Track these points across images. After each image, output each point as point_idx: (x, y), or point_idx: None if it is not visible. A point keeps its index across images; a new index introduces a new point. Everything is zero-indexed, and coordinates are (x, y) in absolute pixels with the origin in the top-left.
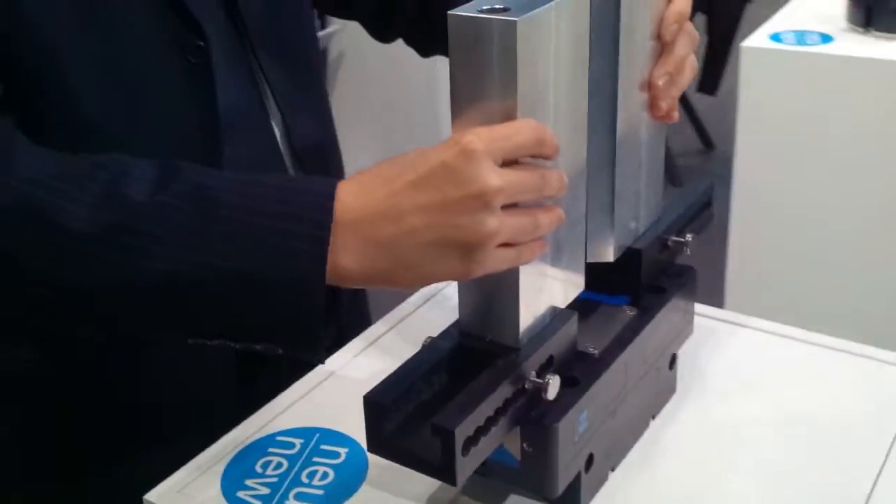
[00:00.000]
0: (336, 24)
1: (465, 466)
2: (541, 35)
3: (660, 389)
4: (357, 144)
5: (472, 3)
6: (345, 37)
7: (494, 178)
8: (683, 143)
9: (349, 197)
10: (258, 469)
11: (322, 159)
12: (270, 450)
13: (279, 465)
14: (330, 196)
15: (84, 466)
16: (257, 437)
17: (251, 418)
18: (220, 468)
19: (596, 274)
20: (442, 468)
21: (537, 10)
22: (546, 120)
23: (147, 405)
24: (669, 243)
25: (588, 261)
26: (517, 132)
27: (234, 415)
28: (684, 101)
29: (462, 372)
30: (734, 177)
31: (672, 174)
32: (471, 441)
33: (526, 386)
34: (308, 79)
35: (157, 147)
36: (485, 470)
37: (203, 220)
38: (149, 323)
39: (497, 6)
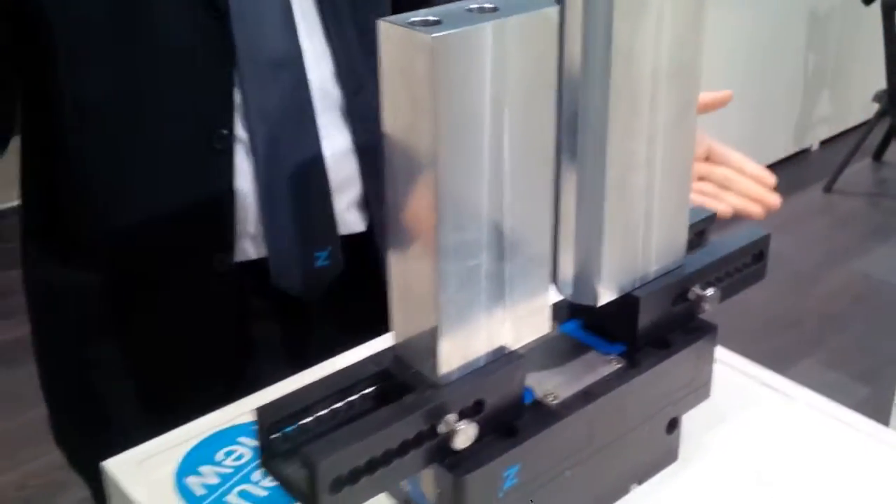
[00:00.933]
0: None
1: None
2: (471, 55)
3: (651, 454)
4: None
5: (413, 12)
6: None
7: None
8: None
9: None
10: (218, 457)
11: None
12: (240, 439)
13: (240, 456)
14: None
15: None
16: (235, 423)
17: (236, 403)
18: (185, 448)
19: (597, 316)
20: (309, 503)
21: (469, 26)
22: (478, 145)
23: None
24: (690, 295)
25: (572, 300)
26: None
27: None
28: None
29: (372, 399)
30: None
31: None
32: (346, 479)
33: (439, 429)
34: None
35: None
36: None
37: None
38: None
39: (431, 18)
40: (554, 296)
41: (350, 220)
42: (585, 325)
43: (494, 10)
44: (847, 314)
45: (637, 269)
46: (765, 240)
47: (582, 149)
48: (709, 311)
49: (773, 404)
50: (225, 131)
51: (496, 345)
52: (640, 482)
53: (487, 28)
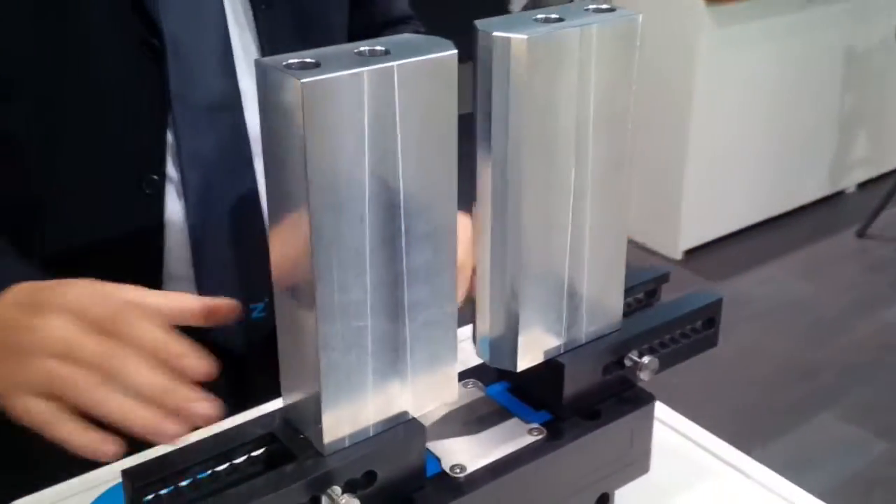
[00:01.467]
0: None
1: None
2: (344, 100)
3: None
4: None
5: (294, 53)
6: None
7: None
8: None
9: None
10: None
11: None
12: None
13: None
14: None
15: None
16: None
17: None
18: (95, 493)
19: (524, 380)
20: None
21: (346, 71)
22: (357, 194)
23: None
24: (627, 362)
25: (491, 365)
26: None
27: None
28: None
29: (258, 463)
30: None
31: None
32: None
33: (322, 502)
34: None
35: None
36: None
37: None
38: None
39: (309, 60)
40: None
41: None
42: (512, 388)
43: (385, 53)
44: (871, 365)
45: (562, 334)
46: (716, 304)
47: (498, 204)
48: (718, 358)
49: (728, 483)
50: (155, 176)
51: (393, 412)
52: None
53: (363, 74)
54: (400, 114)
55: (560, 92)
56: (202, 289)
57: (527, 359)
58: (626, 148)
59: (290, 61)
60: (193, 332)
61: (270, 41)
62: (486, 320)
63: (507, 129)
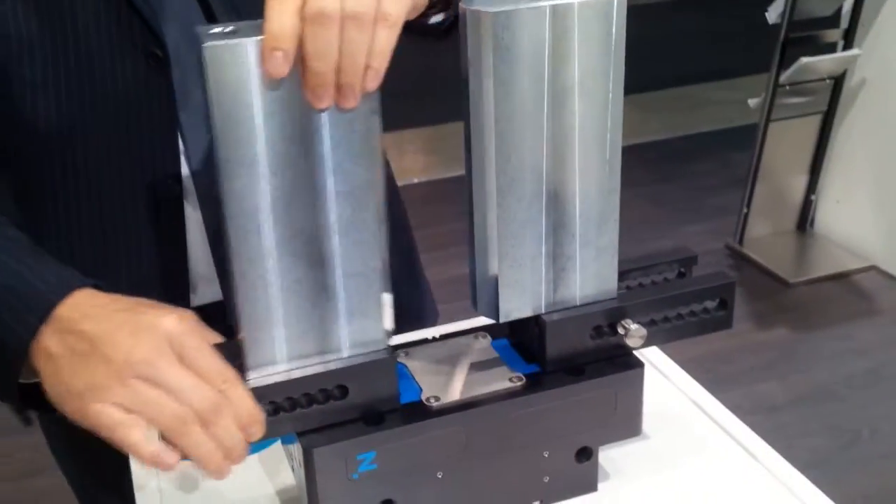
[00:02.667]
0: None
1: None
2: (238, 66)
3: (557, 479)
4: None
5: (234, 23)
6: None
7: (145, 354)
8: None
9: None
10: None
11: None
12: None
13: None
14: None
15: None
16: None
17: None
18: None
19: (521, 336)
20: None
21: (242, 38)
22: (254, 158)
23: None
24: (619, 329)
25: (478, 313)
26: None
27: None
28: None
29: None
30: None
31: None
32: None
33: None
34: None
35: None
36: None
37: None
38: None
39: (229, 28)
40: None
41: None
42: (513, 343)
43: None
44: None
45: (550, 293)
46: (727, 287)
47: (480, 153)
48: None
49: (737, 465)
50: (171, 180)
51: (331, 348)
52: (542, 502)
53: (246, 44)
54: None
55: (531, 65)
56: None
57: (510, 312)
58: (608, 117)
59: (219, 29)
60: (221, 324)
61: None
62: (475, 269)
63: (482, 97)
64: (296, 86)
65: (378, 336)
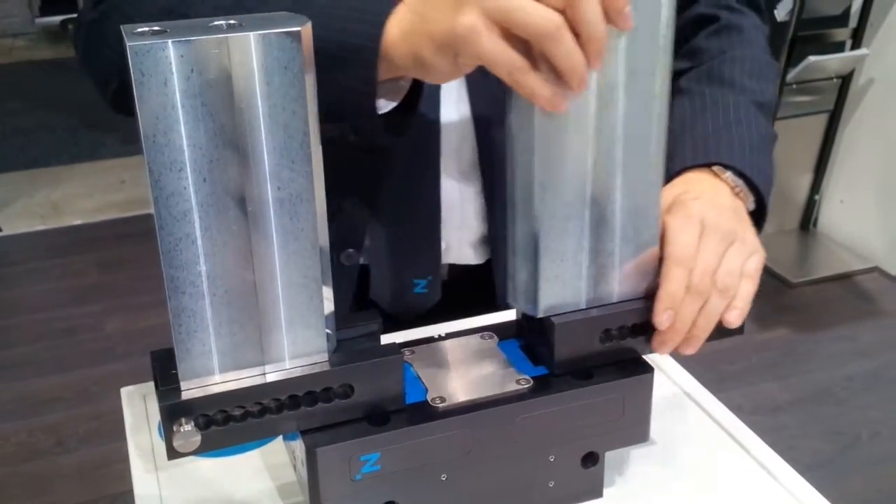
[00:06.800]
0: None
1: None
2: (159, 65)
3: (562, 484)
4: None
5: (165, 23)
6: None
7: None
8: None
9: None
10: None
11: None
12: None
13: None
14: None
15: None
16: None
17: None
18: None
19: (533, 338)
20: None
21: (157, 40)
22: (183, 163)
23: None
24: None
25: (514, 306)
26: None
27: None
28: None
29: None
30: None
31: None
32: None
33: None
34: None
35: None
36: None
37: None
38: None
39: (156, 28)
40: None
41: (465, 253)
42: (522, 345)
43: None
44: None
45: (588, 290)
46: None
47: (520, 154)
48: None
49: (740, 470)
50: None
51: (273, 357)
52: None
53: (168, 44)
54: (253, 83)
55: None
56: (370, 264)
57: (550, 307)
58: (653, 113)
59: (147, 29)
60: (363, 299)
61: None
62: (515, 263)
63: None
64: (227, 89)
65: (320, 347)
